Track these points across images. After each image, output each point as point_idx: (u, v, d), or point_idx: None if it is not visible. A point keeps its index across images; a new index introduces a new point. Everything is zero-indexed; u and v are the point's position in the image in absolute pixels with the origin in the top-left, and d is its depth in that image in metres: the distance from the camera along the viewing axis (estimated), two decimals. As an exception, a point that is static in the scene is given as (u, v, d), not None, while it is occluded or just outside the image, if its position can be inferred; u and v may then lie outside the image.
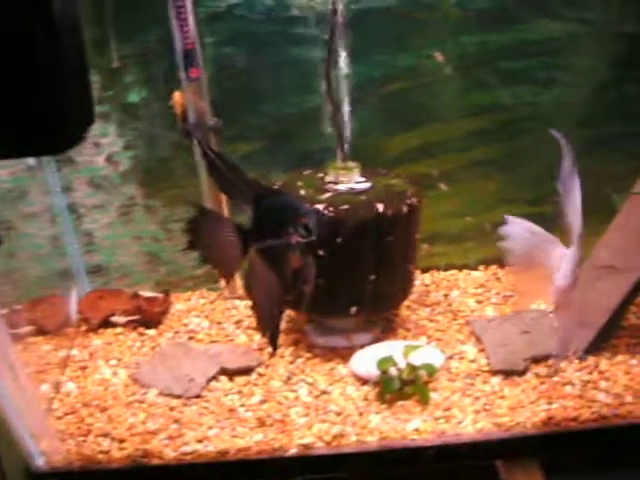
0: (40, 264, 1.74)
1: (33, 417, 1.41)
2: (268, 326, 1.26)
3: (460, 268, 1.94)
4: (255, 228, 1.19)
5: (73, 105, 0.85)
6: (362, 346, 1.62)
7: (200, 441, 1.42)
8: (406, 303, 1.74)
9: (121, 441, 1.43)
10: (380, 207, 1.47)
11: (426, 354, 1.55)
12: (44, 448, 1.42)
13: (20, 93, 0.79)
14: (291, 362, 1.62)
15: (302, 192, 1.54)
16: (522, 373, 1.54)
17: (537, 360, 1.58)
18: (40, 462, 1.41)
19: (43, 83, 0.79)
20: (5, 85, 0.78)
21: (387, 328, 1.70)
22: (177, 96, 1.60)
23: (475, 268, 1.94)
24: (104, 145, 1.70)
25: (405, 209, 1.51)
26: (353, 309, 1.55)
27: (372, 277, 1.52)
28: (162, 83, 1.67)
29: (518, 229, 1.35)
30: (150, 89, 1.68)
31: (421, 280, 1.87)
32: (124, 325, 1.77)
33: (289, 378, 1.57)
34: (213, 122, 1.63)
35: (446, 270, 1.94)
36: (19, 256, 1.66)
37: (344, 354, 1.62)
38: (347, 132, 1.55)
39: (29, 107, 0.80)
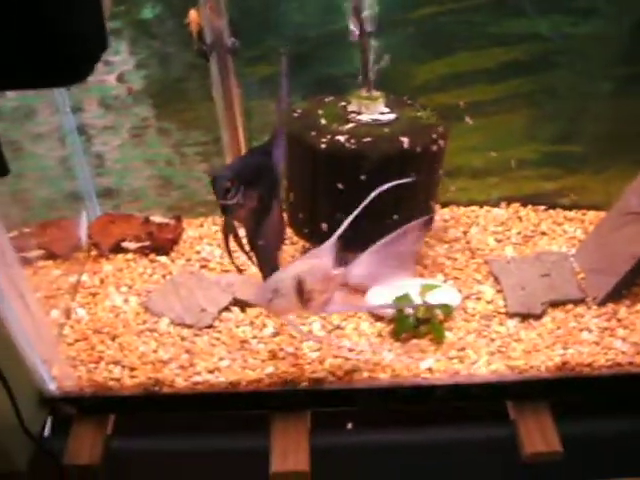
0: (49, 186, 1.69)
1: (44, 343, 1.41)
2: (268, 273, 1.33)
3: (481, 204, 1.88)
4: None
5: (84, 30, 0.79)
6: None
7: (211, 371, 1.42)
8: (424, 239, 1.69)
9: (132, 369, 1.43)
10: (405, 141, 1.40)
11: (443, 293, 1.53)
12: (56, 374, 1.42)
13: (26, 19, 0.73)
14: (305, 295, 1.60)
15: (322, 121, 1.47)
16: (539, 317, 1.52)
17: (555, 304, 1.55)
18: (52, 387, 1.42)
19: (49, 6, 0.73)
20: (6, 10, 0.72)
21: (404, 264, 1.67)
22: (193, 14, 1.51)
23: (497, 205, 1.88)
24: (115, 63, 1.62)
25: (431, 144, 1.44)
26: (371, 245, 1.51)
27: (392, 213, 1.48)
28: (178, -1, 1.57)
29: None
30: (164, 5, 1.58)
31: (440, 215, 1.81)
32: (135, 251, 1.73)
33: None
34: (231, 42, 1.54)
35: (467, 206, 1.88)
36: (27, 177, 1.61)
37: (361, 289, 1.59)
38: (372, 58, 1.47)
39: (36, 34, 0.74)
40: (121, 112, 1.69)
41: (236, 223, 1.36)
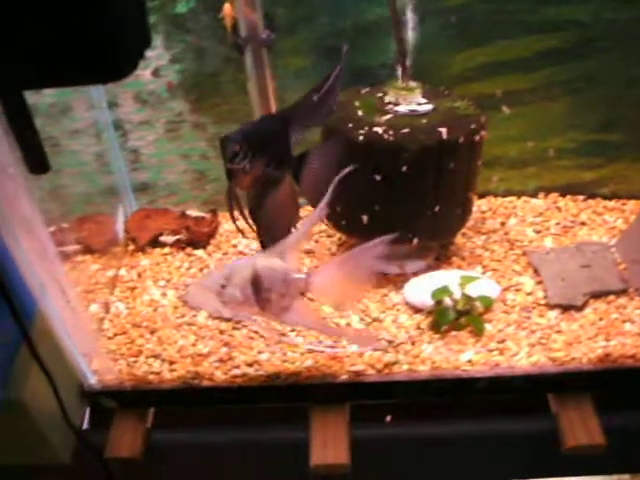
0: (86, 182, 1.70)
1: (84, 337, 1.42)
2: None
3: (519, 195, 1.85)
4: None
5: (128, 27, 0.79)
6: (415, 274, 1.58)
7: (250, 365, 1.42)
8: (461, 231, 1.67)
9: (171, 362, 1.44)
10: (443, 131, 1.38)
11: (482, 285, 1.51)
12: (96, 367, 1.43)
13: (70, 16, 0.73)
14: (342, 288, 1.59)
15: (359, 113, 1.46)
16: (580, 308, 1.49)
17: (596, 295, 1.52)
18: (92, 381, 1.43)
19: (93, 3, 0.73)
20: (51, 8, 0.72)
21: (441, 256, 1.65)
22: (227, 8, 1.50)
23: (535, 195, 1.85)
24: (151, 58, 1.62)
25: (469, 134, 1.41)
26: (409, 237, 1.49)
27: (431, 204, 1.46)
28: (212, -7, 1.57)
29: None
30: (199, -1, 1.58)
31: (477, 206, 1.78)
32: (172, 245, 1.74)
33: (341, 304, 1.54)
34: (265, 35, 1.53)
35: (504, 196, 1.85)
36: (64, 173, 1.63)
37: (396, 281, 1.58)
38: (409, 48, 1.45)
39: (80, 31, 0.74)
40: (156, 107, 1.70)
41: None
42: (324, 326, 1.42)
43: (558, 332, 1.45)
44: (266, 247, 1.27)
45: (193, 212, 1.82)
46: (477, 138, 1.44)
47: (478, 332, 1.45)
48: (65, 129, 1.62)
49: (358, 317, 1.50)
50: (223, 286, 1.14)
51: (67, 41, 0.74)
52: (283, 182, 1.29)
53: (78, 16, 0.73)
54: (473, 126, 1.43)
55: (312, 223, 1.25)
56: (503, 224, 1.77)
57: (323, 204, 1.18)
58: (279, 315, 1.22)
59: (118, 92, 1.69)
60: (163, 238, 1.74)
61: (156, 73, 1.65)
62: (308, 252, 1.71)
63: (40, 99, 1.52)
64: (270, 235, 1.30)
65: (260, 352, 1.44)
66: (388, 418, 1.45)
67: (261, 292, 1.15)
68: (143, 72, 1.64)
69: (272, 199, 1.27)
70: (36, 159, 1.00)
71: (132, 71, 0.81)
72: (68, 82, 0.82)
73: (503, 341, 1.43)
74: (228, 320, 1.51)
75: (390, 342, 1.44)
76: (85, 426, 1.44)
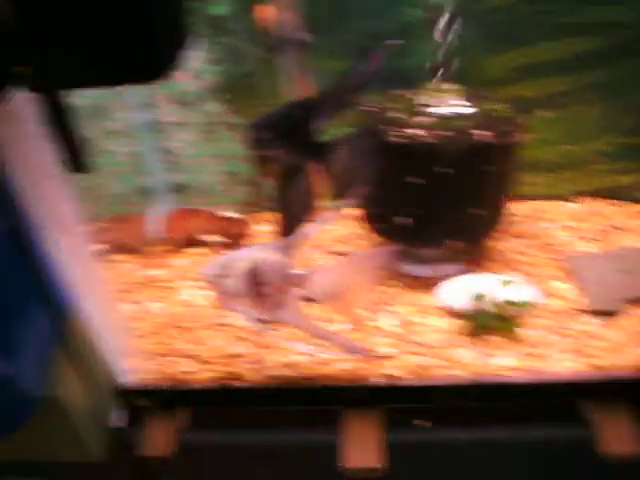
0: (122, 181, 1.72)
1: (119, 336, 1.43)
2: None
3: (555, 199, 1.83)
4: None
5: (170, 28, 0.80)
6: (448, 276, 1.57)
7: (285, 366, 1.42)
8: (495, 234, 1.65)
9: (205, 362, 1.44)
10: (480, 134, 1.37)
11: (519, 289, 1.49)
12: (131, 366, 1.44)
13: (111, 17, 0.73)
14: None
15: (396, 114, 1.45)
16: (618, 314, 1.47)
17: (635, 301, 1.50)
18: (126, 380, 1.44)
19: (132, 4, 0.73)
20: (91, 8, 0.73)
21: (475, 259, 1.64)
22: (265, 9, 1.51)
23: (570, 199, 1.83)
24: (188, 59, 1.63)
25: (506, 137, 1.40)
26: (443, 239, 1.48)
27: (466, 206, 1.45)
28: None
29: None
30: (237, 1, 1.58)
31: (513, 209, 1.75)
32: (207, 245, 1.75)
33: (374, 307, 1.53)
34: (302, 37, 1.53)
35: (540, 200, 1.84)
36: (101, 173, 1.64)
37: (430, 284, 1.57)
38: (447, 49, 1.44)
39: (121, 32, 0.74)
40: (192, 108, 1.71)
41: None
42: (314, 328, 1.37)
43: (596, 338, 1.42)
44: (286, 236, 1.26)
45: (227, 213, 1.82)
46: (514, 141, 1.43)
47: (515, 337, 1.43)
48: (103, 129, 1.64)
49: (392, 319, 1.49)
50: (220, 276, 1.12)
51: (110, 41, 0.75)
52: (303, 171, 1.28)
53: (121, 17, 0.73)
54: (510, 129, 1.41)
55: (325, 223, 1.24)
56: (539, 228, 1.75)
57: (337, 211, 1.17)
58: (272, 310, 1.20)
59: (155, 94, 1.70)
60: (198, 238, 1.75)
61: (193, 75, 1.66)
62: (340, 254, 1.71)
63: (80, 101, 1.54)
64: (286, 224, 1.29)
65: (294, 354, 1.44)
66: (422, 422, 1.44)
67: (258, 285, 1.13)
68: (180, 74, 1.65)
69: (291, 187, 1.27)
70: (76, 159, 1.01)
71: (172, 71, 0.81)
72: (111, 82, 0.83)
73: (540, 347, 1.42)
74: (263, 322, 1.51)
75: (376, 353, 1.41)
76: (118, 424, 1.45)
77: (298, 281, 1.18)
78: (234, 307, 1.29)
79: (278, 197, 1.29)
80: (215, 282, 1.13)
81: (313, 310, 1.41)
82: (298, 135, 1.25)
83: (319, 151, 1.27)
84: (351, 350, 1.37)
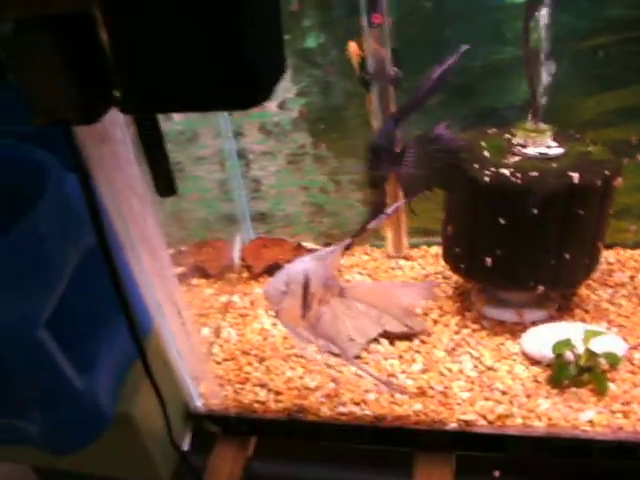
0: (206, 207, 1.75)
1: (194, 360, 1.44)
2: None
3: (643, 247, 1.74)
4: None
5: (267, 57, 0.80)
6: (534, 323, 1.51)
7: (357, 403, 1.39)
8: (586, 282, 1.59)
9: (278, 393, 1.43)
10: (574, 176, 1.32)
11: (607, 341, 1.41)
12: (203, 391, 1.45)
13: (209, 41, 0.74)
14: (456, 332, 1.53)
15: (485, 154, 1.42)
16: None
17: None
18: (199, 404, 1.45)
19: (232, 29, 0.74)
20: (188, 32, 0.73)
21: (563, 307, 1.56)
22: (352, 45, 1.51)
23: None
24: (278, 91, 1.66)
25: (601, 181, 1.34)
26: (531, 284, 1.42)
27: (556, 251, 1.39)
28: (342, 29, 1.58)
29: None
30: (328, 34, 1.60)
31: (605, 257, 1.69)
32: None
33: (454, 349, 1.49)
34: (393, 72, 1.53)
35: (634, 249, 1.74)
36: (187, 198, 1.68)
37: (514, 330, 1.51)
38: (541, 89, 1.40)
39: (219, 57, 0.75)
40: (280, 138, 1.73)
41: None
42: (344, 350, 1.33)
43: (690, 398, 1.33)
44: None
45: (309, 244, 1.82)
46: (609, 185, 1.36)
47: (601, 391, 1.35)
48: (191, 155, 1.68)
49: (471, 364, 1.44)
50: (284, 292, 1.09)
51: (207, 66, 0.75)
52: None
53: (219, 42, 0.74)
54: (606, 172, 1.35)
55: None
56: (632, 278, 1.66)
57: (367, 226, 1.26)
58: (312, 324, 1.17)
59: (244, 122, 1.73)
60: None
61: (282, 105, 1.69)
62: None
63: (170, 126, 1.58)
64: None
65: (367, 391, 1.41)
66: (496, 473, 1.37)
67: (307, 297, 1.10)
68: (269, 104, 1.67)
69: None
70: (164, 183, 1.03)
71: (267, 98, 0.81)
72: (206, 107, 0.84)
73: (628, 403, 1.33)
74: (337, 355, 1.49)
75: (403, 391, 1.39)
76: (186, 447, 1.45)
77: (335, 289, 1.18)
78: (293, 330, 1.23)
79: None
80: (280, 301, 1.09)
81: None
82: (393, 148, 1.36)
83: (398, 159, 1.38)
84: (378, 380, 1.38)
